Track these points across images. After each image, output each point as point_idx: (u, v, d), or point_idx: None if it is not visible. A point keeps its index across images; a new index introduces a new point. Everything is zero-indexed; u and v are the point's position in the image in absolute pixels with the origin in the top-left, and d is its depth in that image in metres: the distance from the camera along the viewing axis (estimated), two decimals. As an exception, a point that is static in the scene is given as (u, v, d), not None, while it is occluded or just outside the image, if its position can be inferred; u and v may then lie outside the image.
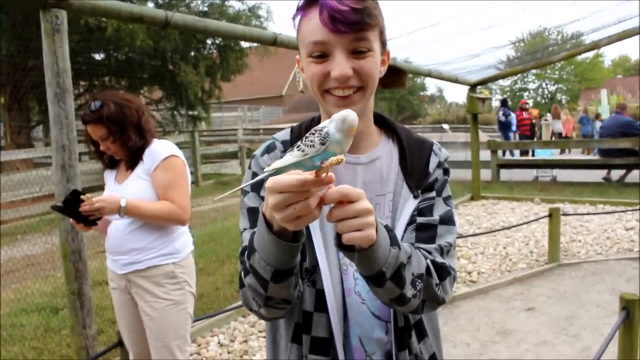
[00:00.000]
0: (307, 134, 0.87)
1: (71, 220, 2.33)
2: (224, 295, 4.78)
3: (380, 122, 1.27)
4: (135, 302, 2.49)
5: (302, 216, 0.84)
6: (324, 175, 0.83)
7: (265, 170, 0.90)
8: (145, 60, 13.34)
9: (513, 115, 16.47)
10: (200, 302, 4.37)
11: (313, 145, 0.85)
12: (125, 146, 2.40)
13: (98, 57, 14.49)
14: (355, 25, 1.04)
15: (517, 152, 14.97)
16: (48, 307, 4.66)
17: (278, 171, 0.87)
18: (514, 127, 16.53)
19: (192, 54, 14.63)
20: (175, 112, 15.65)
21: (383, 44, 1.15)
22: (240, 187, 1.06)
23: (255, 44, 14.65)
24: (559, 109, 22.53)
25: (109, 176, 2.58)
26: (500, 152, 12.02)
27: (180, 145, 2.52)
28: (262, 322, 4.16)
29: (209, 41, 14.86)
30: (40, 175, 9.27)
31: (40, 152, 10.63)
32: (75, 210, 2.24)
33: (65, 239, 2.75)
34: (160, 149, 2.45)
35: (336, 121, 0.86)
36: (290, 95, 37.03)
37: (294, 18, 1.14)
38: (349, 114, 0.85)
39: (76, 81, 12.94)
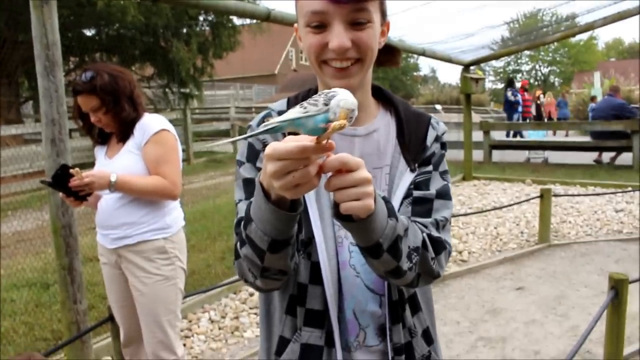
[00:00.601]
0: (314, 95, 0.86)
1: (61, 194, 2.31)
2: (215, 272, 4.79)
3: (378, 94, 1.25)
4: (126, 277, 2.48)
5: (301, 184, 0.82)
6: (324, 142, 0.81)
7: (265, 124, 0.87)
8: (136, 36, 13.18)
9: (520, 96, 16.26)
10: (191, 278, 4.38)
11: (316, 104, 0.83)
12: (117, 117, 2.37)
13: (88, 32, 14.31)
14: None
15: (526, 134, 14.75)
16: (39, 283, 4.65)
17: (277, 127, 0.85)
18: (520, 108, 16.37)
19: (184, 30, 14.45)
20: (167, 90, 15.50)
21: (383, 14, 1.13)
22: (234, 139, 1.03)
23: (248, 21, 14.53)
24: (538, 92, 23.97)
25: (100, 152, 2.55)
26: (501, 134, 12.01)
27: (172, 122, 2.48)
28: (253, 298, 4.18)
29: (201, 17, 14.69)
30: (30, 151, 9.20)
31: (30, 128, 10.55)
32: (65, 185, 2.22)
33: (56, 214, 2.73)
34: (152, 122, 2.42)
35: (351, 102, 0.84)
36: (283, 74, 36.82)
37: None
38: (349, 98, 0.84)
39: (66, 57, 12.76)
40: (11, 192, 8.75)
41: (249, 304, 4.17)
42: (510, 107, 16.28)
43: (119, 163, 2.39)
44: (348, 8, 1.04)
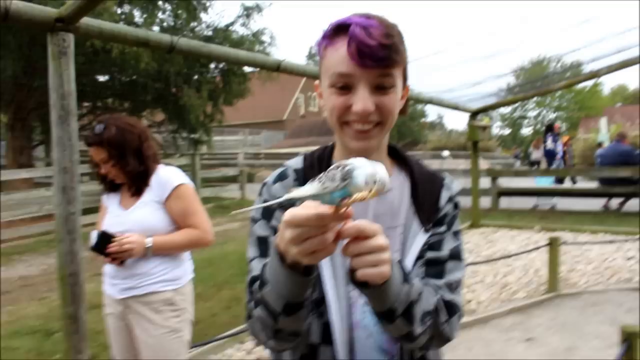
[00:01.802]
0: (330, 168, 0.86)
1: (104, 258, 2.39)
2: (220, 321, 4.74)
3: (393, 153, 1.26)
4: (131, 329, 2.47)
5: (318, 250, 0.84)
6: (342, 210, 0.82)
7: (284, 197, 0.89)
8: (148, 83, 13.42)
9: (559, 142, 15.55)
10: (196, 327, 4.29)
11: (334, 180, 0.83)
12: (123, 171, 2.41)
13: (102, 78, 14.59)
14: (382, 61, 1.04)
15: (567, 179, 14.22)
16: (42, 330, 4.61)
17: (295, 200, 0.87)
18: (560, 154, 15.66)
19: (196, 77, 14.72)
20: (177, 135, 15.69)
21: (404, 79, 1.16)
22: (255, 207, 1.06)
23: (258, 69, 14.78)
24: (540, 140, 23.89)
25: (112, 200, 2.57)
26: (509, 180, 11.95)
27: (181, 168, 2.53)
28: (258, 350, 4.12)
29: (212, 65, 14.97)
30: (40, 195, 9.26)
31: (41, 172, 10.64)
32: (103, 249, 2.32)
33: (63, 262, 2.73)
34: (170, 177, 2.46)
35: (368, 175, 0.84)
36: (292, 120, 37.26)
37: (319, 45, 1.14)
38: (379, 172, 0.84)
39: (80, 102, 12.99)
40: (19, 236, 8.78)
41: (253, 355, 4.10)
42: (549, 154, 15.29)
43: (136, 215, 2.42)
44: (375, 73, 1.06)
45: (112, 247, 2.29)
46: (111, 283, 2.48)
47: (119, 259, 2.34)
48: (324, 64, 1.12)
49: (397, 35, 1.07)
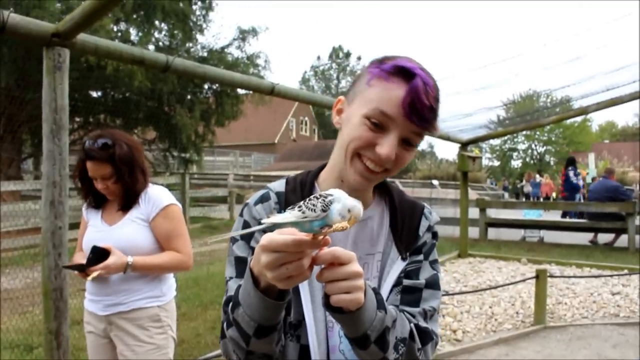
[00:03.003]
0: (311, 197, 0.88)
1: (76, 272, 2.35)
2: (205, 342, 4.67)
3: None
4: (113, 347, 2.43)
5: (293, 276, 0.85)
6: (320, 237, 0.84)
7: (263, 222, 0.90)
8: (141, 101, 13.46)
9: (580, 176, 15.16)
10: (180, 347, 4.27)
11: (314, 210, 0.85)
12: (126, 187, 2.39)
13: (95, 94, 14.62)
14: (425, 122, 1.08)
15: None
16: (22, 345, 4.52)
17: (275, 226, 0.88)
18: (582, 189, 15.42)
19: (189, 97, 14.79)
20: (167, 154, 15.68)
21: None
22: (233, 234, 1.06)
23: (251, 92, 14.88)
24: (532, 174, 26.84)
25: (93, 215, 2.53)
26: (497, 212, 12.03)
27: (170, 187, 2.54)
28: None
29: (206, 86, 15.05)
30: (27, 208, 9.17)
31: (29, 185, 10.55)
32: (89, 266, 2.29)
33: (48, 277, 2.69)
34: (160, 196, 2.45)
35: (342, 207, 0.86)
36: (283, 144, 37.37)
37: (370, 71, 1.12)
38: (357, 207, 0.87)
39: (72, 116, 12.97)
40: (4, 248, 8.66)
41: (237, 377, 4.04)
42: (571, 188, 14.71)
43: (122, 232, 2.38)
44: (412, 128, 1.08)
45: (96, 270, 2.24)
46: (94, 300, 2.44)
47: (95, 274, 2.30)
48: (367, 91, 1.11)
49: (439, 102, 1.11)
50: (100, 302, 2.40)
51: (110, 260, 2.25)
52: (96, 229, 2.47)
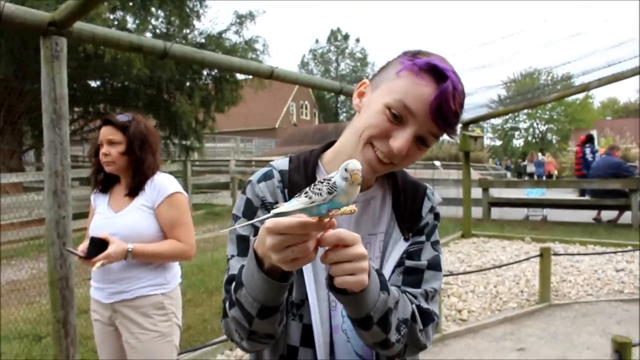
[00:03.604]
0: (316, 182, 0.88)
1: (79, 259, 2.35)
2: (211, 327, 4.71)
3: None
4: (119, 335, 2.44)
5: (298, 258, 0.85)
6: (326, 220, 0.84)
7: (271, 212, 0.90)
8: (140, 89, 13.42)
9: (598, 154, 14.51)
10: (187, 333, 4.30)
11: (320, 194, 0.85)
12: (134, 162, 2.40)
13: (94, 83, 14.58)
14: (447, 127, 1.08)
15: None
16: (31, 335, 4.56)
17: (282, 215, 0.88)
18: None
19: (188, 84, 14.74)
20: (169, 141, 15.68)
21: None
22: (244, 224, 1.07)
23: (251, 76, 14.84)
24: (534, 154, 27.07)
25: (100, 201, 2.53)
26: (500, 191, 12.01)
27: (172, 174, 2.54)
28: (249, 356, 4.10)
29: (204, 72, 14.99)
30: (30, 199, 9.19)
31: (32, 177, 10.58)
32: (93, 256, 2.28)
33: (54, 266, 2.71)
34: (166, 183, 2.45)
35: (340, 170, 0.87)
36: (284, 128, 37.30)
37: (402, 61, 1.11)
38: (352, 162, 0.86)
39: (71, 107, 12.96)
40: (8, 240, 8.70)
41: (244, 361, 4.08)
42: (587, 166, 13.85)
43: (127, 219, 2.39)
44: (431, 128, 1.08)
45: (99, 260, 2.25)
46: (99, 287, 2.45)
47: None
48: (395, 81, 1.10)
49: (462, 108, 1.11)
50: (105, 290, 2.42)
51: (110, 249, 2.26)
52: (103, 216, 2.48)
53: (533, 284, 6.02)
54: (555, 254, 6.02)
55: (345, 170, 0.86)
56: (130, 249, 2.29)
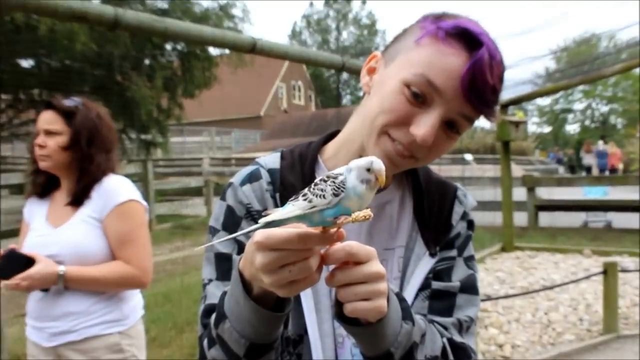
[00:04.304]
0: (317, 181, 0.86)
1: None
2: (182, 373, 4.72)
3: None
4: (64, 386, 2.43)
5: (297, 280, 0.83)
6: (332, 230, 0.82)
7: (260, 221, 0.88)
8: (86, 69, 13.41)
9: None
10: (151, 382, 4.30)
11: (324, 196, 0.83)
12: (79, 161, 2.37)
13: (26, 63, 14.56)
14: (484, 107, 1.06)
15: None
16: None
17: (275, 224, 0.85)
18: None
19: (147, 62, 14.74)
20: (124, 135, 15.65)
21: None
22: (230, 237, 1.02)
23: (227, 51, 14.84)
24: (590, 145, 27.36)
25: (37, 212, 2.50)
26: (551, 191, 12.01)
27: (129, 177, 2.50)
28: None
29: (168, 46, 14.98)
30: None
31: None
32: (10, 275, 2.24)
33: (-23, 299, 2.71)
34: (117, 188, 2.42)
35: (359, 169, 0.84)
36: (271, 116, 37.31)
37: (423, 25, 1.09)
38: (376, 161, 0.84)
39: (-4, 94, 12.96)
40: None
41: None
42: None
43: (69, 235, 2.36)
44: (463, 108, 1.05)
45: (13, 281, 2.21)
46: (37, 327, 2.42)
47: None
48: (414, 51, 1.08)
49: (502, 84, 1.08)
50: (45, 330, 2.39)
51: (33, 270, 2.21)
52: (37, 232, 2.44)
53: (595, 310, 6.02)
54: (624, 271, 6.02)
55: (368, 170, 0.83)
56: (62, 273, 2.25)
